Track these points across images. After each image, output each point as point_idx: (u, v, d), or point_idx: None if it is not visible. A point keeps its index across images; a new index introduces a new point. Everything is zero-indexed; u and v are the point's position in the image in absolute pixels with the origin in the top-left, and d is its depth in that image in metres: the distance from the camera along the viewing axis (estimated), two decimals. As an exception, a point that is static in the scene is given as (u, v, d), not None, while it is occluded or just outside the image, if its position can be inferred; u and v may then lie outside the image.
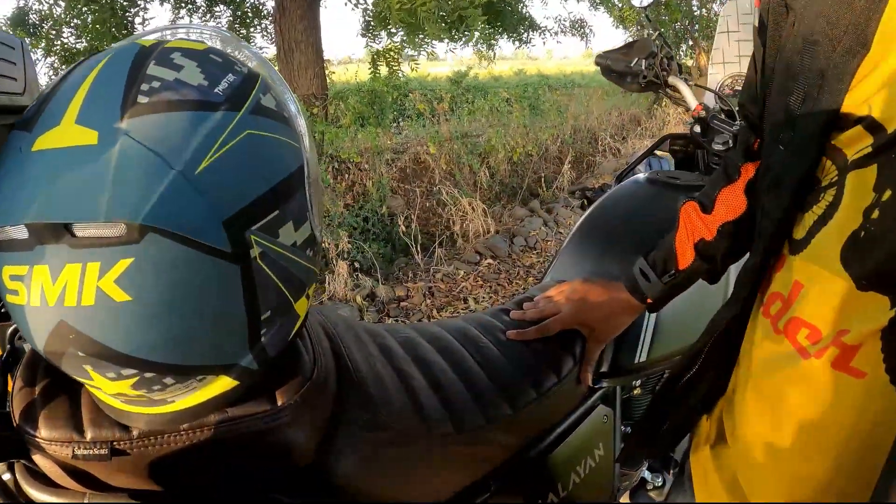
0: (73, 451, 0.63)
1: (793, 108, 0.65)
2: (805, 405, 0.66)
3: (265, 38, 7.79)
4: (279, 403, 0.68)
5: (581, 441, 1.11)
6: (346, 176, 5.55)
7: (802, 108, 0.64)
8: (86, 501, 0.66)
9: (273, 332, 0.65)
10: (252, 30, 7.60)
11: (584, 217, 1.46)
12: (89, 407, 0.66)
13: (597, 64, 1.65)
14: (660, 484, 1.49)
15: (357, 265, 4.23)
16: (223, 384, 0.64)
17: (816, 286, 0.64)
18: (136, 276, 0.52)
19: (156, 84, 0.55)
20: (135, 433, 0.64)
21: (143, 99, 0.54)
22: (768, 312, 0.71)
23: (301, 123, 0.67)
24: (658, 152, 1.82)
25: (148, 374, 0.58)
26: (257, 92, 0.61)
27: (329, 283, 3.90)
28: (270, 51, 6.89)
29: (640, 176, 1.56)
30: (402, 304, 3.85)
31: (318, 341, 0.78)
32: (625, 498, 1.51)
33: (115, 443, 0.64)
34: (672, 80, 1.59)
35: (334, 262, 4.03)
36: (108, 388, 0.60)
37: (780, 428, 0.69)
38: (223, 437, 0.66)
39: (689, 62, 10.60)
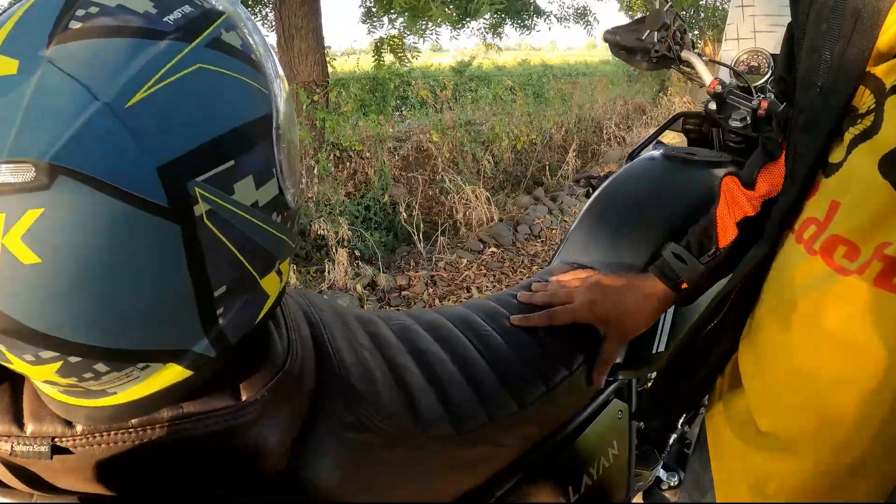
0: (13, 446, 0.54)
1: (826, 51, 0.64)
2: (843, 325, 0.64)
3: (265, 25, 7.70)
4: (243, 398, 0.57)
5: (594, 439, 1.01)
6: (348, 164, 5.50)
7: (836, 50, 0.63)
8: (34, 502, 0.57)
9: (233, 314, 0.54)
10: (253, 17, 7.51)
11: (595, 195, 1.34)
12: (31, 398, 0.57)
13: (605, 40, 1.55)
14: (675, 483, 1.40)
15: (357, 253, 4.17)
16: (173, 374, 0.54)
17: (855, 199, 0.62)
18: (47, 231, 0.42)
19: (93, 9, 0.45)
20: (78, 429, 0.55)
21: (75, 24, 0.44)
22: (801, 238, 0.69)
23: (279, 80, 0.56)
24: (665, 140, 1.73)
25: (73, 359, 0.47)
26: (218, 27, 0.50)
27: (329, 272, 3.84)
28: (271, 38, 6.82)
29: (655, 152, 1.46)
30: (404, 292, 3.77)
31: (294, 327, 0.68)
32: (638, 498, 1.42)
33: (56, 439, 0.55)
34: (685, 54, 1.49)
35: (334, 250, 3.97)
36: (32, 375, 0.50)
37: (817, 354, 0.66)
38: (178, 437, 0.56)
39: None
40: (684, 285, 0.92)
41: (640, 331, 0.98)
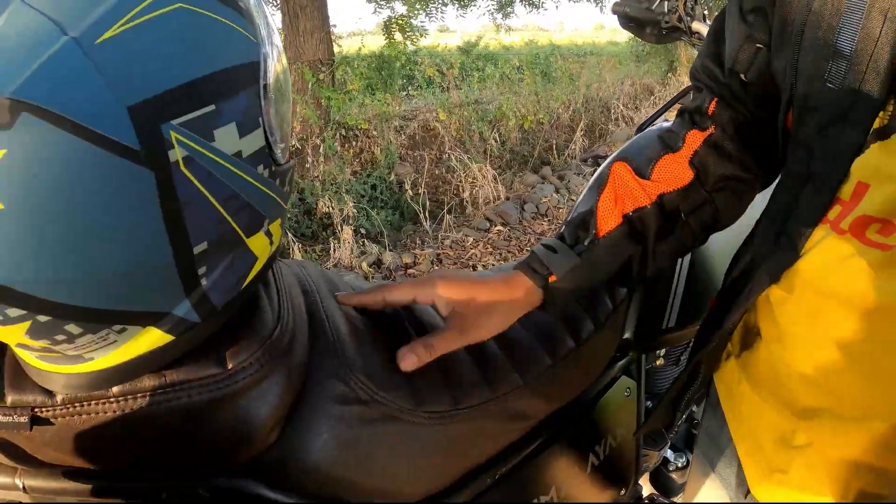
0: None
1: (845, 39, 0.58)
2: (887, 294, 0.60)
3: (270, 3, 7.65)
4: (229, 367, 0.54)
5: (601, 418, 0.97)
6: (354, 143, 5.47)
7: (860, 43, 0.57)
8: (17, 480, 0.56)
9: (218, 275, 0.51)
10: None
11: (603, 167, 1.31)
12: (12, 367, 0.54)
13: (613, 12, 1.51)
14: (683, 464, 1.37)
15: (363, 232, 4.14)
16: (153, 338, 0.51)
17: (885, 188, 0.58)
18: (10, 173, 0.38)
19: None
20: (58, 399, 0.52)
21: None
22: (826, 218, 0.65)
23: (269, 31, 0.53)
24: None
25: (41, 318, 0.44)
26: None
27: (334, 250, 3.82)
28: (276, 17, 6.76)
29: (665, 123, 1.42)
30: (410, 270, 3.74)
31: (287, 295, 0.64)
32: (644, 479, 1.39)
33: (36, 409, 0.52)
34: (696, 25, 1.44)
35: (339, 228, 3.95)
36: (3, 337, 0.47)
37: (860, 324, 0.63)
38: (162, 408, 0.53)
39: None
40: (552, 278, 0.81)
41: (492, 331, 0.80)
